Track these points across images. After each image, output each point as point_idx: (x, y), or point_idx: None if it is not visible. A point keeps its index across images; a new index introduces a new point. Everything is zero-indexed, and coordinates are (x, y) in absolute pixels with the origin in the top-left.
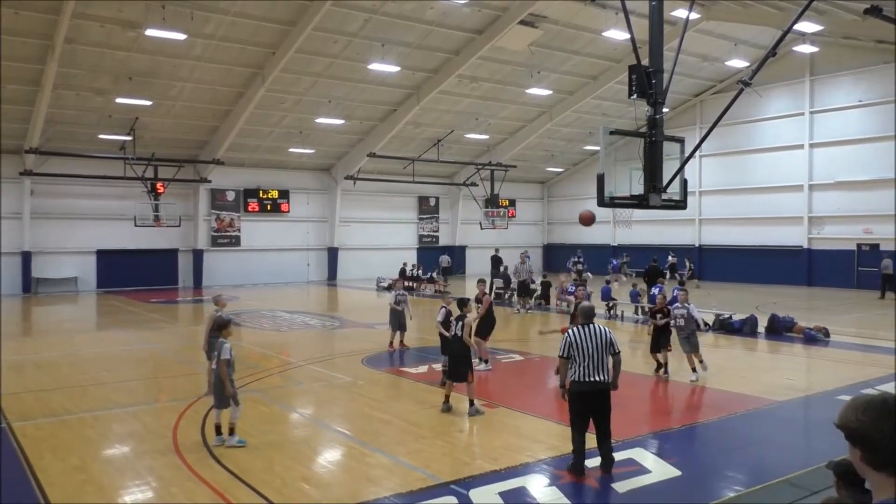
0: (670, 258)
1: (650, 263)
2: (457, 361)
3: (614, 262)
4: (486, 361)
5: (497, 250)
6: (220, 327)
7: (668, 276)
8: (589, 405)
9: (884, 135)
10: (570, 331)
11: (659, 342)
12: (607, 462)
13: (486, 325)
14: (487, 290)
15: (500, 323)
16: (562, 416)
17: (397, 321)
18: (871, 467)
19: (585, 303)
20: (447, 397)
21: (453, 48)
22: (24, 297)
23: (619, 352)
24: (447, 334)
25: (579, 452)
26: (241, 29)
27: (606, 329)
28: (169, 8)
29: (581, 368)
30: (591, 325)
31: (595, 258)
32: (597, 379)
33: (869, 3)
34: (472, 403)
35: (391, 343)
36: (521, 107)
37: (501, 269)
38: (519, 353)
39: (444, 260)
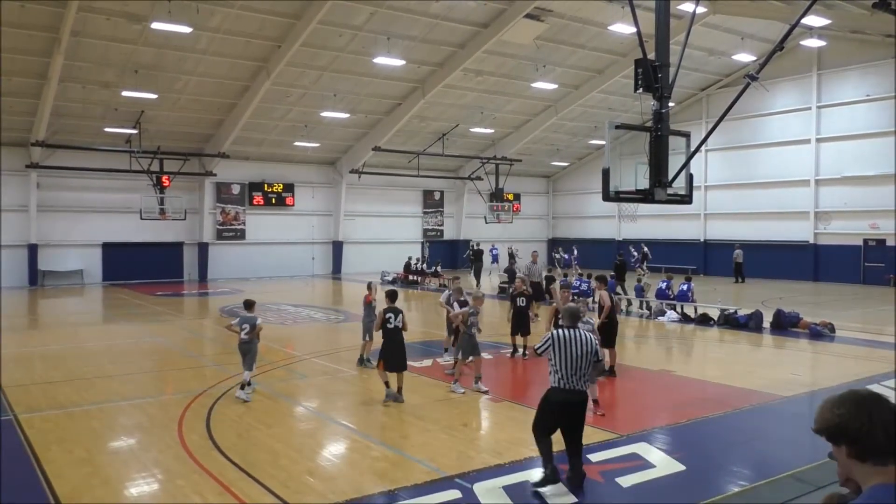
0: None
1: (616, 259)
2: (400, 352)
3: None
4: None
5: (478, 244)
6: (247, 306)
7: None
8: (565, 416)
9: (891, 130)
10: (553, 332)
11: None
12: (578, 478)
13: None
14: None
15: (502, 318)
16: None
17: (470, 346)
18: (858, 460)
19: (571, 304)
20: (393, 385)
21: (459, 42)
22: (31, 289)
23: (602, 359)
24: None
25: (548, 456)
26: (246, 22)
27: (591, 337)
28: (175, 1)
29: (564, 375)
30: (577, 331)
31: (599, 253)
32: (579, 388)
33: None
34: (399, 390)
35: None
36: (527, 101)
37: (508, 263)
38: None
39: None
